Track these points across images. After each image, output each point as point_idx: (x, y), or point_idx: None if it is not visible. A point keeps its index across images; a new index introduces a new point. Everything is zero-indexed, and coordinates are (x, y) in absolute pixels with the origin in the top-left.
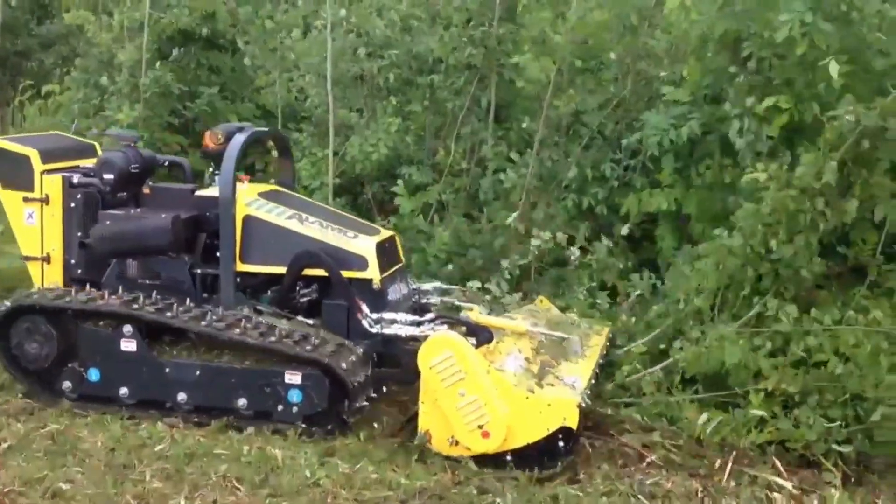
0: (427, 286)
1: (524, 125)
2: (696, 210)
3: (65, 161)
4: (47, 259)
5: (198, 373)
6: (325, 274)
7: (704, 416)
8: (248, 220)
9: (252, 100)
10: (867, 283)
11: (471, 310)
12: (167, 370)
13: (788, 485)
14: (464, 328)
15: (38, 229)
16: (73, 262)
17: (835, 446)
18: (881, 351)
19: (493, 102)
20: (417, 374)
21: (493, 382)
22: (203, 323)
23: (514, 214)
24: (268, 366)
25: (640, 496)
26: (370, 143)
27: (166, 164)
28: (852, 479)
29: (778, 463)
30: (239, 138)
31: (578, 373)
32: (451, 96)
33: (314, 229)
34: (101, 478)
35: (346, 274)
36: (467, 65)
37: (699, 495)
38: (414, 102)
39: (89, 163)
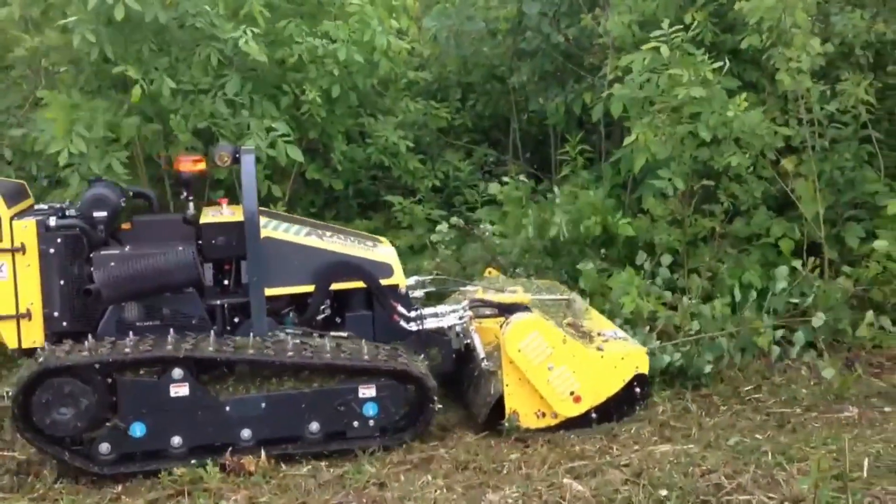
0: (408, 280)
1: None
2: None
3: (20, 204)
4: (27, 315)
5: (263, 405)
6: (343, 287)
7: None
8: (266, 241)
9: None
10: None
11: (476, 291)
12: (227, 409)
13: None
14: (496, 310)
15: (11, 284)
16: (55, 314)
17: None
18: None
19: None
20: (454, 363)
21: (572, 350)
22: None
23: None
24: (339, 384)
25: None
26: None
27: (132, 195)
28: None
29: None
30: (251, 157)
31: (607, 326)
32: None
33: (337, 244)
34: None
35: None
36: None
37: None
38: None
39: (26, 205)
